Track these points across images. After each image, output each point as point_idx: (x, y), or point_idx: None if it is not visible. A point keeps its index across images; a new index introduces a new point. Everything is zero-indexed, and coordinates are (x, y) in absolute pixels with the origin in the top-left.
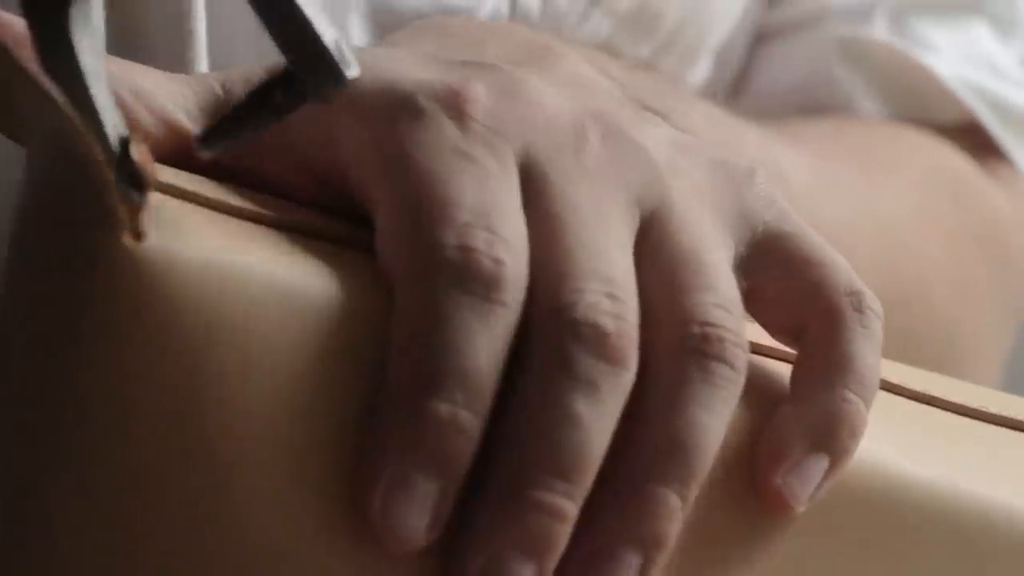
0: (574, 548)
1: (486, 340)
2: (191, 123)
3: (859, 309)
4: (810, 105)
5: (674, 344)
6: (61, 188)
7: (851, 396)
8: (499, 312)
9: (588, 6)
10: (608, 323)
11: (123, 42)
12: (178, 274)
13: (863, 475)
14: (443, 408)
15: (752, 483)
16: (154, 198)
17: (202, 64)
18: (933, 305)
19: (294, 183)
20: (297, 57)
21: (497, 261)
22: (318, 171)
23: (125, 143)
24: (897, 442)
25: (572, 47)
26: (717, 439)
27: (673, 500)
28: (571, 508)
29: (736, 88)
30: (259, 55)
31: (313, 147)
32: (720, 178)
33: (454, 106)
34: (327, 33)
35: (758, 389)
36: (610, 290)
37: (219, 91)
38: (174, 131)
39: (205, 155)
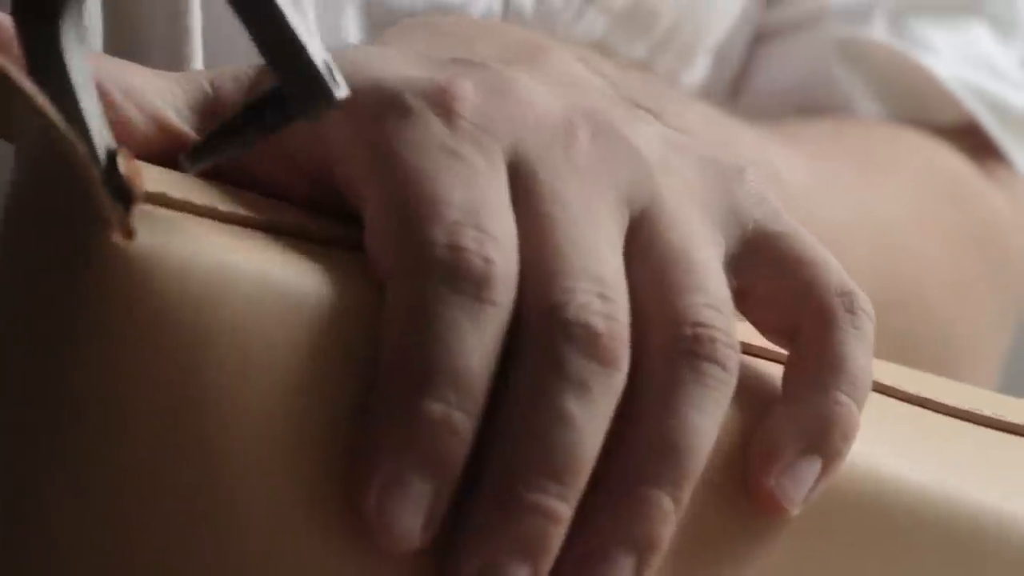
0: (568, 549)
1: (477, 340)
2: (181, 121)
3: (851, 310)
4: (809, 105)
5: (665, 345)
6: (50, 187)
7: (843, 398)
8: (490, 311)
9: (583, 4)
10: (599, 323)
11: (119, 39)
12: (170, 271)
13: (855, 478)
14: (436, 408)
15: (745, 485)
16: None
17: (197, 61)
18: (930, 306)
19: (283, 181)
20: (287, 76)
21: (487, 260)
22: (307, 169)
23: (113, 155)
24: (889, 445)
25: (564, 46)
26: (709, 440)
27: (666, 502)
28: (565, 510)
29: (735, 88)
30: (254, 53)
31: (302, 145)
32: (710, 176)
33: (442, 104)
34: (317, 54)
35: (750, 390)
36: (601, 290)
37: (208, 89)
38: (163, 129)
39: (192, 170)
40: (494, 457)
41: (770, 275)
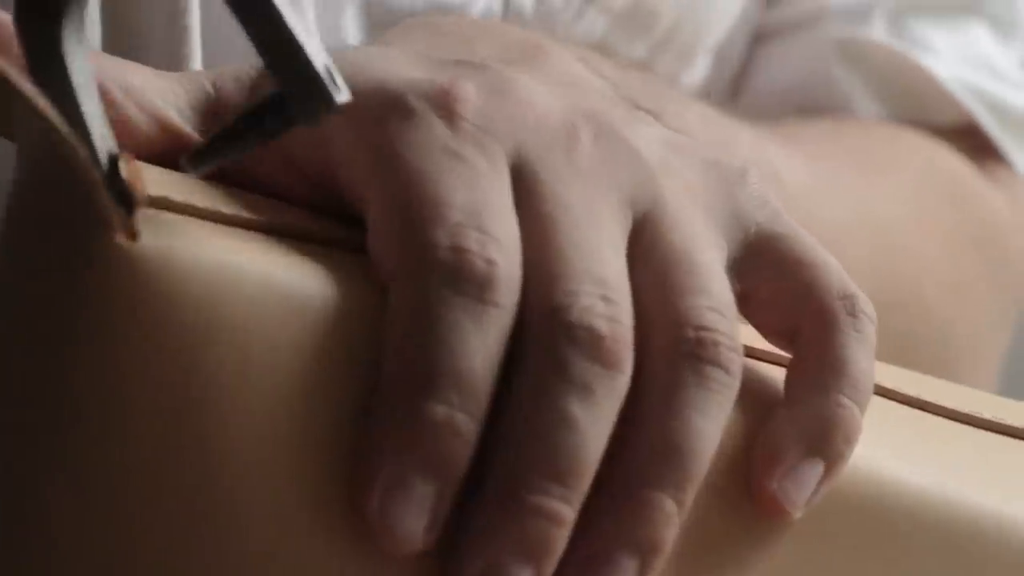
0: (571, 552)
1: (480, 341)
2: (183, 121)
3: (852, 313)
4: (808, 105)
5: (668, 348)
6: (51, 189)
7: (845, 401)
8: (493, 313)
9: (583, 4)
10: (603, 326)
11: (117, 38)
12: (174, 272)
13: (856, 481)
14: (439, 410)
15: (748, 488)
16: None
17: (196, 62)
18: (930, 306)
19: (285, 183)
20: (287, 81)
21: (490, 262)
22: (309, 171)
23: (114, 160)
24: (890, 448)
25: (564, 46)
26: (713, 443)
27: (669, 505)
28: (568, 512)
29: (735, 88)
30: (254, 54)
31: (304, 147)
32: (713, 178)
33: (444, 105)
34: (317, 56)
35: (753, 393)
36: (604, 292)
37: (210, 90)
38: (165, 129)
39: (194, 174)
40: (497, 459)
41: (771, 277)
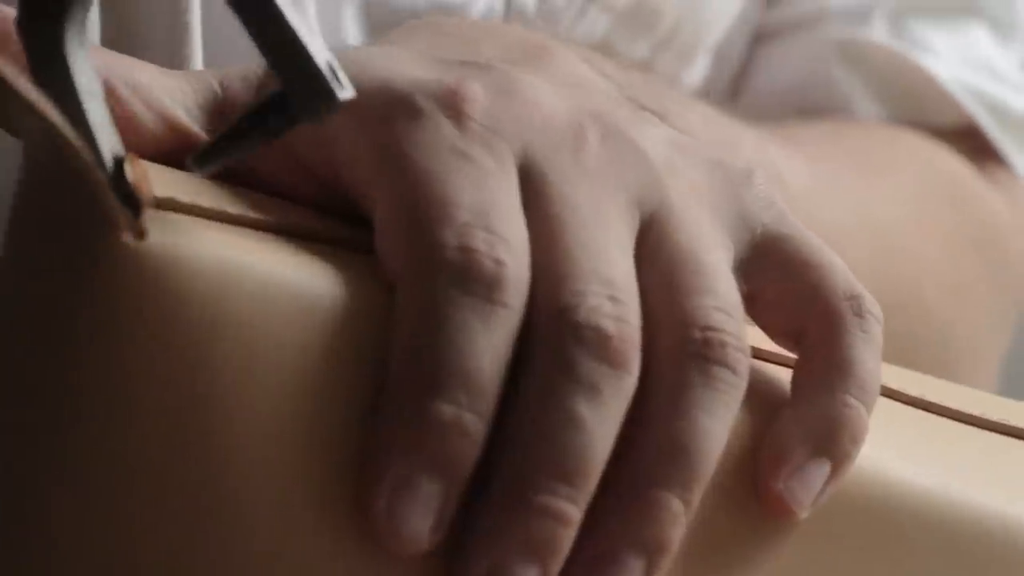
0: (577, 552)
1: (488, 341)
2: (190, 120)
3: (859, 313)
4: (808, 106)
5: (675, 348)
6: (55, 189)
7: (852, 401)
8: (501, 313)
9: (585, 3)
10: (610, 326)
11: (117, 36)
12: (181, 270)
13: (862, 482)
14: (446, 410)
15: (754, 488)
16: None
17: (197, 62)
18: (929, 308)
19: (290, 182)
20: (290, 79)
21: (498, 262)
22: (315, 170)
23: (120, 162)
24: (895, 448)
25: (567, 46)
26: (720, 443)
27: (676, 504)
28: (575, 512)
29: (734, 88)
30: (255, 54)
31: (310, 146)
32: (718, 179)
33: (452, 105)
34: (319, 54)
35: (759, 393)
36: (612, 292)
37: (217, 89)
38: (172, 128)
39: (199, 174)
40: (504, 459)
41: (777, 278)
